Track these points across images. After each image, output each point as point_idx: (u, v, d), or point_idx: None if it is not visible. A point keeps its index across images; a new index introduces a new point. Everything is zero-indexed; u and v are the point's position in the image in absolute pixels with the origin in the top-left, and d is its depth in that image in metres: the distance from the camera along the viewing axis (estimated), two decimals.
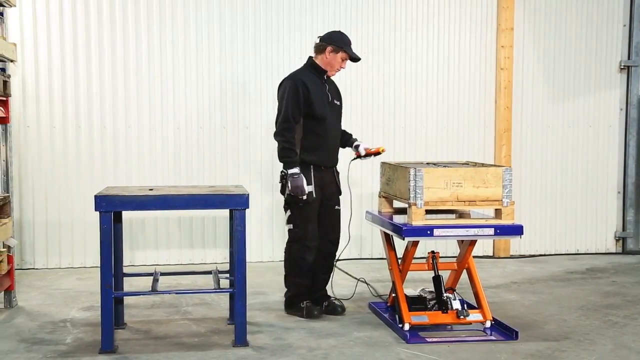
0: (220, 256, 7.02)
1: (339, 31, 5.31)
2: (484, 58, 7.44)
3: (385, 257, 5.26)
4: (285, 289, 5.38)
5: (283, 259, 5.38)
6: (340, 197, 5.37)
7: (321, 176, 5.20)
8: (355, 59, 5.23)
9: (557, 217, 7.68)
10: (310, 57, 5.29)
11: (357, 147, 5.43)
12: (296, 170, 5.03)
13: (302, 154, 5.12)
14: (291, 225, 5.18)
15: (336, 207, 5.34)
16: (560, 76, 7.59)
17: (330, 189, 5.29)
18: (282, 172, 5.18)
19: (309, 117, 5.11)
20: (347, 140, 5.50)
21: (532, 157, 7.59)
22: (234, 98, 7.05)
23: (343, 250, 5.51)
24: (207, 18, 6.96)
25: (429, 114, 7.38)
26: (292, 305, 5.28)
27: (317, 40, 5.24)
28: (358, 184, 7.05)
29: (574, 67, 7.61)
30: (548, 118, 7.60)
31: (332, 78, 5.34)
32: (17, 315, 5.19)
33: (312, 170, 5.14)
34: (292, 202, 5.13)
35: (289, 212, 5.20)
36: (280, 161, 5.13)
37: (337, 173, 5.38)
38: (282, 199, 7.02)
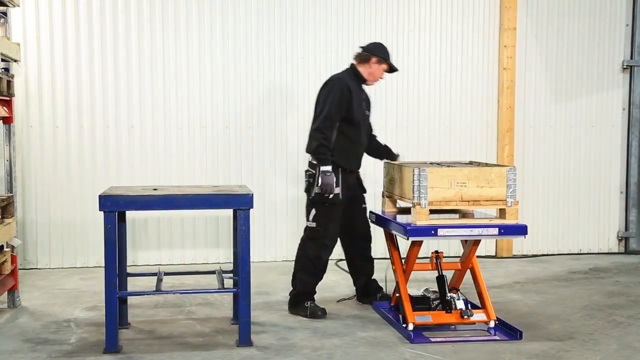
0: (222, 256, 7.02)
1: (381, 43, 5.44)
2: (487, 58, 7.43)
3: (388, 256, 5.26)
4: (291, 288, 5.39)
5: (295, 256, 5.42)
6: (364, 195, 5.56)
7: (347, 179, 5.29)
8: (395, 70, 5.40)
9: (560, 217, 7.67)
10: (352, 65, 5.39)
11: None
12: (329, 168, 5.11)
13: (335, 155, 5.22)
14: (314, 223, 5.26)
15: (363, 205, 5.49)
16: (562, 76, 7.59)
17: (355, 190, 5.42)
18: (307, 171, 5.30)
19: (345, 121, 5.21)
20: (386, 153, 5.62)
21: (534, 157, 7.58)
22: (237, 98, 7.05)
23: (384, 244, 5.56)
24: (210, 17, 6.95)
25: (432, 114, 7.37)
26: (297, 304, 5.29)
27: (360, 50, 5.36)
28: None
29: (576, 67, 7.61)
30: (550, 118, 7.60)
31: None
32: (20, 315, 5.19)
33: (340, 172, 5.23)
34: (319, 201, 5.20)
35: (314, 211, 5.26)
36: (315, 157, 5.20)
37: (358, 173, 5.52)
38: (284, 199, 7.10)
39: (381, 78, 5.42)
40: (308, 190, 5.29)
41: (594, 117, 7.68)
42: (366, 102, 5.44)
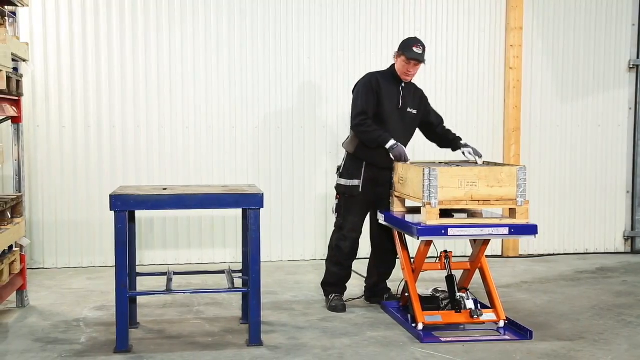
0: (229, 256, 7.01)
1: (410, 37, 5.38)
2: (493, 57, 7.43)
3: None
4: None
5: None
6: None
7: (374, 175, 5.30)
8: (411, 58, 5.15)
9: (566, 216, 7.67)
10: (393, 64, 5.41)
11: (464, 153, 5.40)
12: (391, 142, 5.12)
13: (358, 149, 5.28)
14: (336, 214, 5.39)
15: None
16: (569, 75, 7.59)
17: (387, 188, 5.34)
18: (338, 166, 5.45)
19: (374, 115, 5.25)
20: (451, 141, 5.52)
21: (540, 156, 7.58)
22: (242, 97, 7.04)
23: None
24: (216, 17, 6.94)
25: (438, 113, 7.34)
26: (325, 293, 5.50)
27: None
28: None
29: (582, 66, 7.60)
30: (557, 117, 7.59)
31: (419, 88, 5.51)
32: (29, 315, 5.18)
33: (363, 166, 5.28)
34: (341, 192, 5.36)
35: (336, 201, 5.41)
36: (374, 145, 5.19)
37: None
38: (287, 199, 7.10)
39: (410, 71, 5.24)
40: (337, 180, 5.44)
41: (600, 117, 7.67)
42: (407, 100, 5.32)
